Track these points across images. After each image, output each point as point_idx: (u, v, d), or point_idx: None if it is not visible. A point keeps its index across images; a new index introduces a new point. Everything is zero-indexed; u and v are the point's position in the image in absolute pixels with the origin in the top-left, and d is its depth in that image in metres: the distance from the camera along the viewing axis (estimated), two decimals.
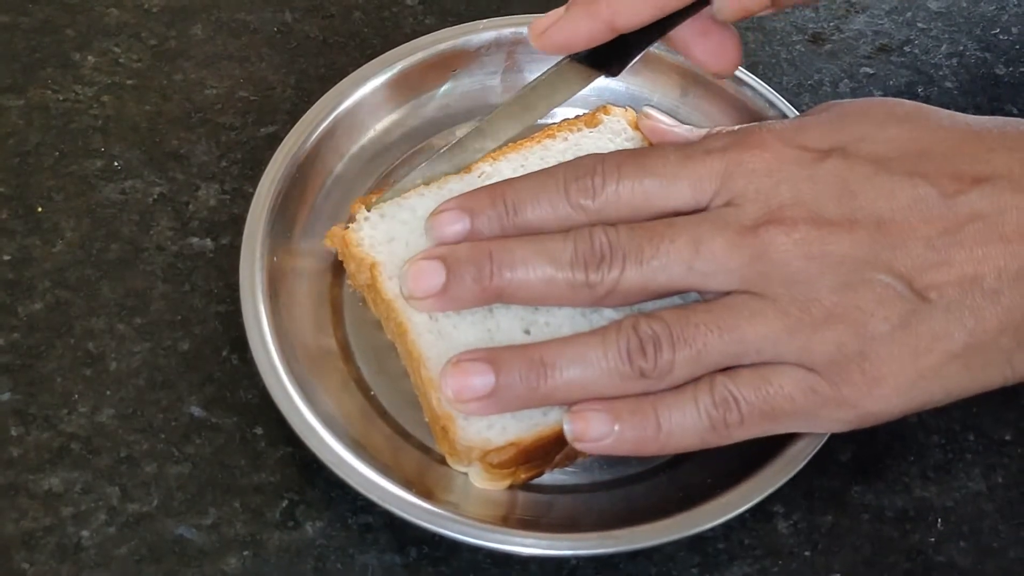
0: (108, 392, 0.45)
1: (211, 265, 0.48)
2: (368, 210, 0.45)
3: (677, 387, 0.39)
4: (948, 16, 0.59)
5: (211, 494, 0.43)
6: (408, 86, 0.51)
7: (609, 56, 0.44)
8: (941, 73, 0.57)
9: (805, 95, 0.56)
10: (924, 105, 0.42)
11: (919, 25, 0.59)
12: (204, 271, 0.48)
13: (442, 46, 0.51)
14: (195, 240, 0.50)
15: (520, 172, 0.44)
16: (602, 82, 0.47)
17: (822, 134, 0.40)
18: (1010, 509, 0.43)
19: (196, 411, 0.45)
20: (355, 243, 0.44)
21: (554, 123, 0.48)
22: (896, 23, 0.59)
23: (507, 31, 0.52)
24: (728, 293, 0.39)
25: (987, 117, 0.41)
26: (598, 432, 0.38)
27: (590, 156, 0.41)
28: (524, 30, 0.50)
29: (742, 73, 0.50)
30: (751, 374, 0.38)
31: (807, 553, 0.42)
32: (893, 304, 0.37)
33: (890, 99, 0.42)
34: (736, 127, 0.43)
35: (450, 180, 0.45)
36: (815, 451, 0.41)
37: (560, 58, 0.45)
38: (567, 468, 0.42)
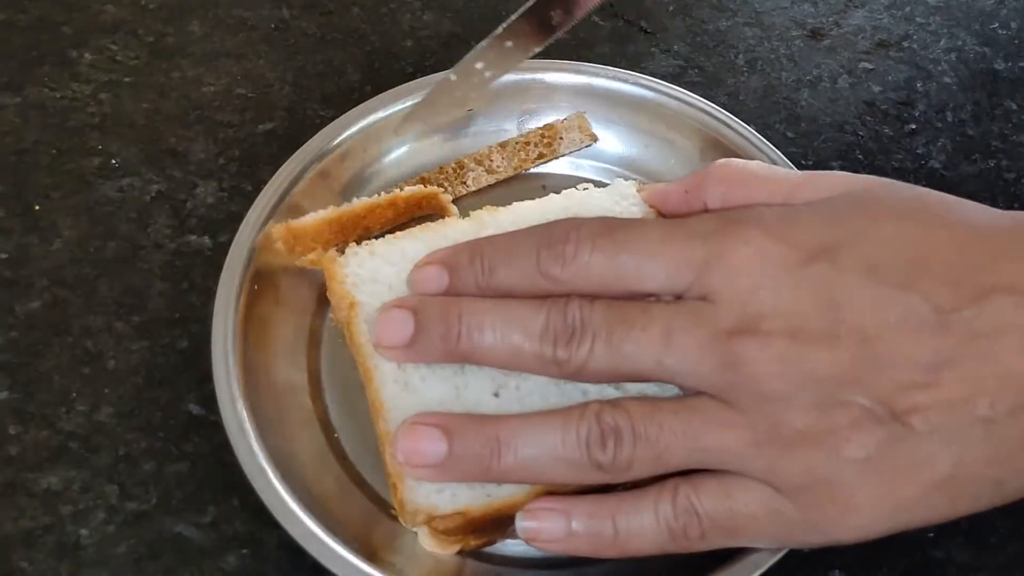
0: (106, 390, 0.45)
1: (209, 263, 0.48)
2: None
3: (639, 489, 0.37)
4: (947, 11, 0.59)
5: (210, 492, 0.43)
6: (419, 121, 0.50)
7: None
8: (940, 68, 0.57)
9: (804, 90, 0.56)
10: (929, 194, 0.38)
11: (918, 20, 0.59)
12: (202, 269, 0.48)
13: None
14: (193, 238, 0.49)
15: (520, 224, 0.41)
16: (621, 148, 0.48)
17: (812, 230, 0.36)
18: (1008, 505, 0.43)
19: (195, 409, 0.45)
20: (339, 279, 0.41)
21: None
22: (895, 18, 0.59)
23: (527, 76, 0.51)
24: (700, 393, 0.36)
25: (1000, 212, 0.37)
26: (552, 533, 0.37)
27: (566, 221, 0.38)
28: (545, 76, 0.51)
29: (758, 140, 0.49)
30: (715, 486, 0.36)
31: (806, 550, 0.42)
32: (871, 429, 0.34)
33: (893, 185, 0.38)
34: (728, 211, 0.39)
35: (447, 225, 0.43)
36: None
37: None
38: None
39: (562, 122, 0.50)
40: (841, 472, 0.34)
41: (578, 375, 0.37)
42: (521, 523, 0.37)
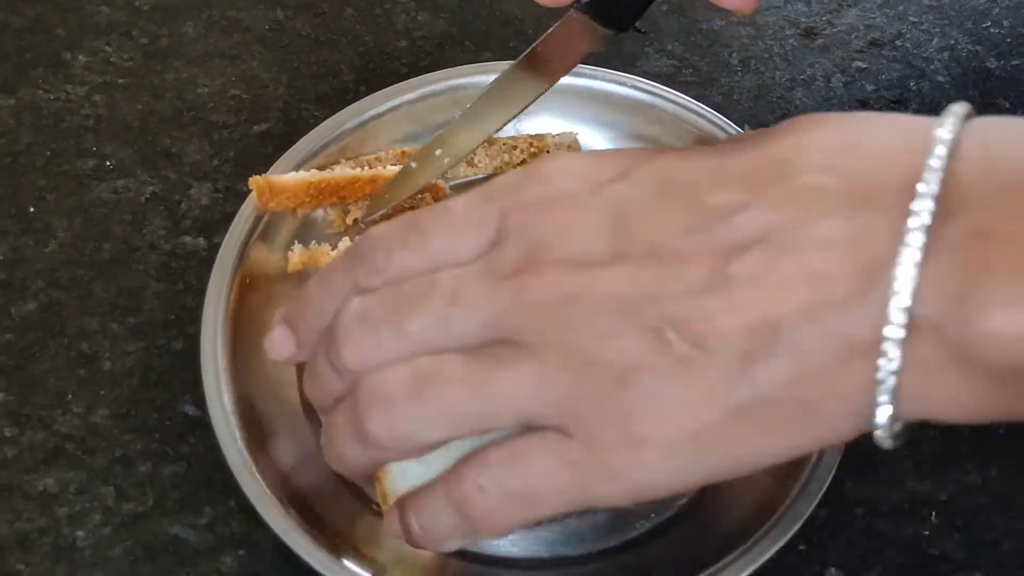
0: (102, 392, 0.45)
1: (204, 264, 0.48)
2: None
3: (429, 487, 0.35)
4: (939, 9, 0.59)
5: (206, 493, 0.43)
6: (414, 120, 0.50)
7: (617, 6, 0.42)
8: (933, 67, 0.57)
9: (798, 89, 0.56)
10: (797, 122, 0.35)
11: (911, 19, 0.59)
12: (197, 270, 0.48)
13: (453, 81, 0.51)
14: (188, 239, 0.49)
15: None
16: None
17: (613, 159, 0.35)
18: (1005, 502, 0.43)
19: (190, 410, 0.45)
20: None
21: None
22: (888, 17, 0.59)
23: None
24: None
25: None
26: (397, 532, 0.36)
27: (369, 232, 0.36)
28: None
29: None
30: (503, 453, 0.33)
31: (802, 547, 0.42)
32: (662, 353, 0.31)
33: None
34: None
35: None
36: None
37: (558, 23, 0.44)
38: (511, 538, 0.41)
39: (554, 137, 0.50)
40: (630, 399, 0.32)
41: (373, 371, 0.34)
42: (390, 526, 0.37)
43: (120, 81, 0.55)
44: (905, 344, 0.30)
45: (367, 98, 0.50)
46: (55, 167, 0.51)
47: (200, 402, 0.44)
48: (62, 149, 0.52)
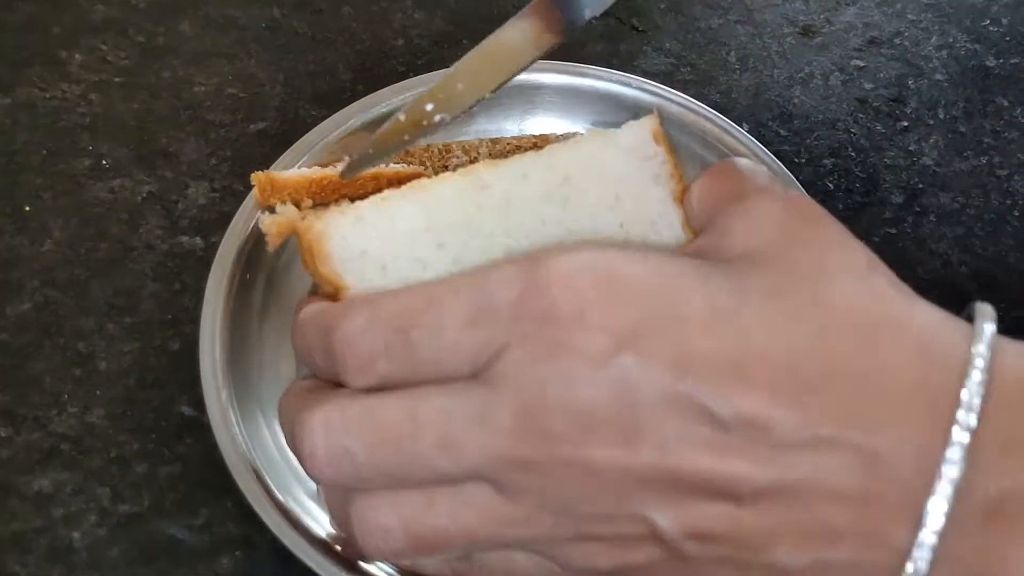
0: (98, 392, 0.45)
1: (201, 264, 0.48)
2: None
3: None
4: (938, 7, 0.59)
5: (203, 494, 0.43)
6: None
7: None
8: (931, 65, 0.57)
9: (796, 87, 0.56)
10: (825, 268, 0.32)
11: (909, 17, 0.59)
12: (194, 270, 0.48)
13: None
14: (185, 239, 0.49)
15: (523, 183, 0.37)
16: None
17: (630, 297, 0.31)
18: None
19: (187, 411, 0.45)
20: (321, 256, 0.36)
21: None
22: (886, 15, 0.59)
23: (525, 76, 0.51)
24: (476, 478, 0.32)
25: (888, 301, 0.32)
26: None
27: (349, 330, 0.33)
28: (542, 78, 0.50)
29: (749, 140, 0.48)
30: (498, 557, 0.34)
31: None
32: (656, 545, 0.31)
33: (806, 248, 0.33)
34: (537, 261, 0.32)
35: (442, 184, 0.37)
36: None
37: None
38: None
39: (558, 138, 0.50)
40: (621, 572, 0.32)
41: (340, 482, 0.33)
42: None
43: (116, 80, 0.54)
44: None
45: (369, 96, 0.50)
46: (51, 166, 0.51)
47: (197, 403, 0.44)
48: (58, 148, 0.52)
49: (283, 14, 0.57)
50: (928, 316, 0.32)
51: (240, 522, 0.42)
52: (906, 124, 0.55)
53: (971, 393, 0.30)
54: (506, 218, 0.37)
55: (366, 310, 0.33)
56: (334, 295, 0.36)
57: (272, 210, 0.42)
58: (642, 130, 0.39)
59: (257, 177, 0.45)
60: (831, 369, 0.30)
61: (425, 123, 0.39)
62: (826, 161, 0.53)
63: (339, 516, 0.35)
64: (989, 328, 0.31)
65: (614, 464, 0.30)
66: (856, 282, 0.32)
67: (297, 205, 0.46)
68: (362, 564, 0.39)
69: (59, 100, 0.53)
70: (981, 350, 0.30)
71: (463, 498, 0.32)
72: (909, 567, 0.30)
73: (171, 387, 0.45)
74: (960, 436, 0.29)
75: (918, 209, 0.52)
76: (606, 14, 0.42)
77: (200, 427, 0.44)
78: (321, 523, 0.40)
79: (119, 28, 0.56)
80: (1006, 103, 0.56)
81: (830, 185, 0.53)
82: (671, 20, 0.58)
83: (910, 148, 0.54)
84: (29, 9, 0.57)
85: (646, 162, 0.39)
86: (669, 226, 0.38)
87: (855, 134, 0.55)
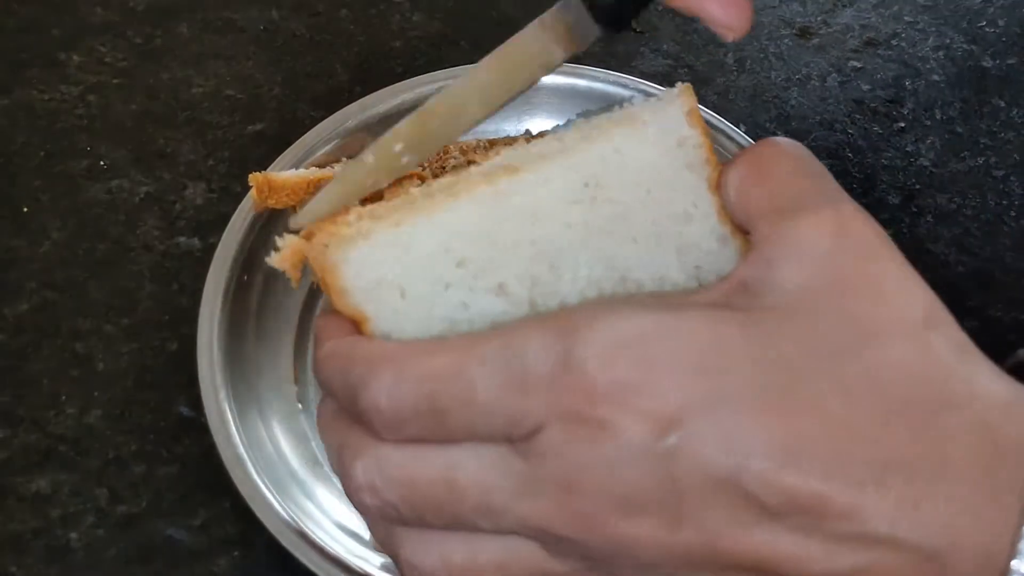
0: (96, 393, 0.45)
1: (198, 264, 0.48)
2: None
3: None
4: (934, 9, 0.59)
5: (200, 494, 0.43)
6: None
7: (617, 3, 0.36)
8: (928, 66, 0.57)
9: (793, 89, 0.56)
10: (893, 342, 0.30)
11: (906, 18, 0.59)
12: (191, 271, 0.48)
13: (448, 82, 0.50)
14: (182, 239, 0.49)
15: (545, 188, 0.34)
16: None
17: (675, 377, 0.29)
18: None
19: (185, 411, 0.45)
20: (336, 290, 0.33)
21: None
22: (883, 16, 0.59)
23: None
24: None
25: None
26: None
27: (376, 389, 0.31)
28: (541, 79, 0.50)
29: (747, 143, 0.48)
30: None
31: None
32: None
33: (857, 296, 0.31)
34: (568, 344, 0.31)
35: (460, 202, 0.34)
36: None
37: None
38: None
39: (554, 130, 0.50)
40: None
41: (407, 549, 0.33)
42: None
43: (114, 81, 0.54)
44: None
45: (367, 97, 0.50)
46: (49, 167, 0.51)
47: (194, 403, 0.44)
48: (56, 149, 0.52)
49: (281, 16, 0.57)
50: (992, 389, 0.29)
51: (237, 522, 0.42)
52: (903, 125, 0.55)
53: None
54: (531, 227, 0.35)
55: (391, 373, 0.31)
56: (355, 326, 0.34)
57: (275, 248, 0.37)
58: (673, 110, 0.35)
59: (255, 178, 0.45)
60: (886, 459, 0.28)
61: (394, 165, 0.36)
62: (824, 162, 0.53)
63: (386, 546, 0.34)
64: None
65: (656, 544, 0.29)
66: (912, 346, 0.30)
67: (295, 207, 0.46)
68: (357, 562, 0.39)
69: (57, 101, 0.54)
70: None
71: (508, 550, 0.31)
72: None
73: (169, 388, 0.45)
74: None
75: (915, 209, 0.52)
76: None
77: (198, 428, 0.44)
78: (318, 523, 0.40)
79: (117, 30, 0.56)
80: (1002, 104, 0.56)
81: None
82: (668, 22, 0.58)
83: (907, 149, 0.54)
84: (28, 11, 0.57)
85: (679, 148, 0.36)
86: (704, 218, 0.35)
87: (852, 135, 0.55)
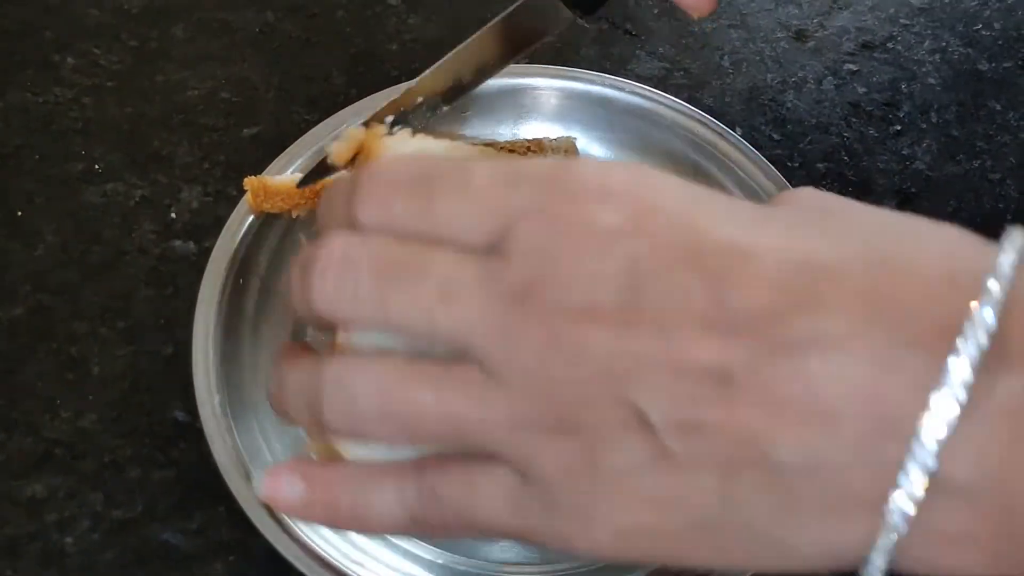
0: (91, 397, 0.45)
1: (194, 268, 0.48)
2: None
3: (378, 474, 0.33)
4: (931, 12, 0.59)
5: (196, 499, 0.42)
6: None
7: None
8: (924, 69, 0.57)
9: (789, 92, 0.56)
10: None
11: (902, 21, 0.59)
12: (187, 274, 0.48)
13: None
14: (178, 243, 0.49)
15: None
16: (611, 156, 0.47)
17: (660, 192, 0.31)
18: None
19: (180, 415, 0.44)
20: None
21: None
22: (879, 19, 0.59)
23: (520, 81, 0.51)
24: (465, 358, 0.31)
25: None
26: (288, 499, 0.33)
27: (379, 168, 0.33)
28: (536, 82, 0.50)
29: (743, 145, 0.49)
30: (461, 473, 0.32)
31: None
32: (639, 439, 0.29)
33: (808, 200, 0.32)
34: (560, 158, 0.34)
35: None
36: None
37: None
38: (501, 544, 0.41)
39: (551, 142, 0.50)
40: (595, 477, 0.29)
41: (340, 366, 0.32)
42: (258, 483, 0.34)
43: (109, 84, 0.54)
44: (921, 509, 0.27)
45: (362, 100, 0.50)
46: (43, 170, 0.51)
47: (190, 407, 0.44)
48: (51, 152, 0.52)
49: (276, 18, 0.57)
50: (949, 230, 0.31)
51: (233, 527, 0.42)
52: (899, 128, 0.55)
53: (996, 290, 0.28)
54: None
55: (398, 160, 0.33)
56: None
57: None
58: None
59: (250, 182, 0.45)
60: (843, 271, 0.29)
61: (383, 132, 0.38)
62: (819, 165, 0.54)
63: (304, 382, 0.33)
64: (1020, 239, 0.29)
65: (609, 344, 0.29)
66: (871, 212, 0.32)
67: (290, 211, 0.46)
68: (354, 567, 0.39)
69: (52, 104, 0.53)
70: (1009, 256, 0.29)
71: (449, 377, 0.31)
72: (911, 466, 0.27)
73: (164, 392, 0.45)
74: (979, 332, 0.27)
75: (911, 212, 0.52)
76: (599, 17, 0.43)
77: (193, 432, 0.44)
78: (315, 528, 0.40)
79: (112, 32, 0.56)
80: (999, 107, 0.56)
81: (823, 189, 0.53)
82: (664, 24, 0.58)
83: (903, 152, 0.54)
84: (22, 14, 0.57)
85: None
86: None
87: (848, 138, 0.55)
